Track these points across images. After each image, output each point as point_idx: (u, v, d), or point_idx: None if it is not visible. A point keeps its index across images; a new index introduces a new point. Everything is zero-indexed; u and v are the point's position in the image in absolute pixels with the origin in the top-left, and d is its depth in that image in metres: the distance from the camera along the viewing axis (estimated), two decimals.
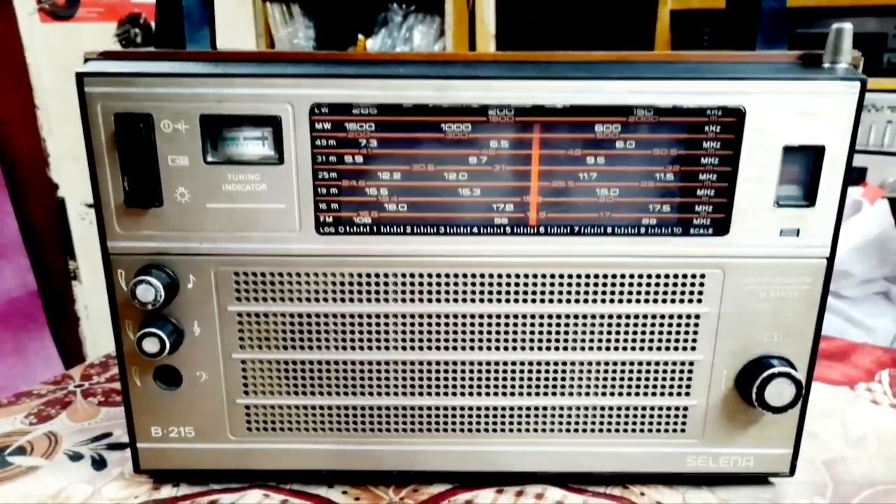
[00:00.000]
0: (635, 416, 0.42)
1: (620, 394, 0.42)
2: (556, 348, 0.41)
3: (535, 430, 0.43)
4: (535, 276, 0.40)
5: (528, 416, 0.42)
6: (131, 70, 0.37)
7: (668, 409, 0.42)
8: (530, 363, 0.41)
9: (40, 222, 1.44)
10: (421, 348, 0.41)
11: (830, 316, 1.19)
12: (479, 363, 0.41)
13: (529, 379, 0.42)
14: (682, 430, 0.43)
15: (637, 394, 0.42)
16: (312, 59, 0.38)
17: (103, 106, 0.37)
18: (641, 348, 0.41)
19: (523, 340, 0.41)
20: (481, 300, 0.40)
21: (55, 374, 0.59)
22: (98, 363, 0.61)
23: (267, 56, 0.39)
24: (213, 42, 0.43)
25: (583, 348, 0.41)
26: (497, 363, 0.41)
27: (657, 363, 0.41)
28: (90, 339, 1.51)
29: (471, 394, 0.42)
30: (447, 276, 0.40)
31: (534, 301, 0.40)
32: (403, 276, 0.40)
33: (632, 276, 0.40)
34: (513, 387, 0.42)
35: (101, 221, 0.39)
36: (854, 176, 0.39)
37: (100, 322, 1.49)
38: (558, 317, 0.41)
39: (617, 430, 0.43)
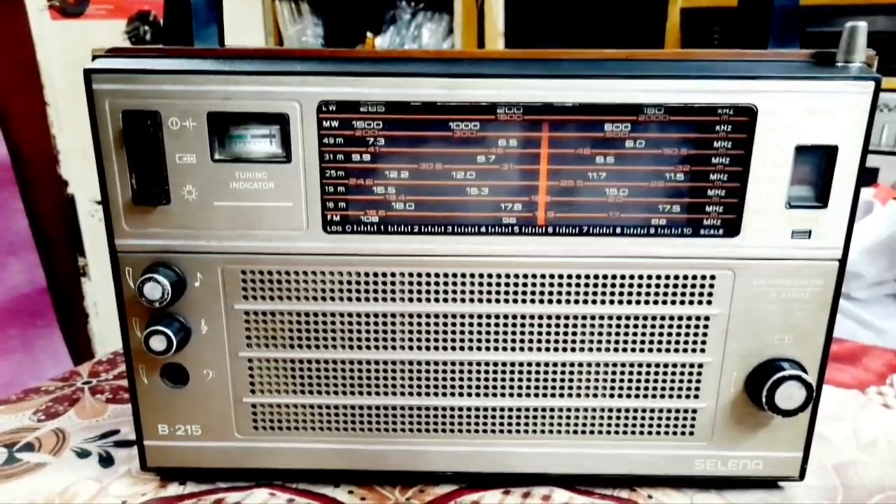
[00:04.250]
0: (643, 418, 0.42)
1: (628, 395, 0.42)
2: (564, 349, 0.41)
3: (543, 432, 0.42)
4: (543, 276, 0.40)
5: (535, 417, 0.42)
6: (139, 67, 0.37)
7: (677, 411, 0.42)
8: (538, 364, 0.41)
9: (50, 219, 1.45)
10: (428, 348, 0.41)
11: (840, 318, 1.18)
12: (487, 363, 0.41)
13: (537, 380, 0.41)
14: (691, 433, 0.42)
15: (645, 396, 0.42)
16: (320, 56, 0.38)
17: (111, 103, 0.37)
18: (650, 350, 0.41)
19: (531, 341, 0.41)
20: (489, 300, 0.40)
21: (64, 371, 0.59)
22: (106, 360, 0.61)
23: (275, 53, 0.39)
24: (222, 39, 0.43)
25: (591, 349, 0.41)
26: (504, 364, 0.41)
27: (666, 365, 0.41)
28: (99, 336, 1.51)
29: (478, 394, 0.42)
30: (455, 275, 0.40)
31: (542, 301, 0.40)
32: (411, 275, 0.40)
33: (641, 277, 0.39)
34: (520, 387, 0.42)
35: (109, 219, 0.39)
36: (866, 176, 0.38)
37: (109, 319, 1.50)
38: (566, 317, 0.40)
39: (625, 433, 0.42)
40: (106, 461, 0.46)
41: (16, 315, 1.40)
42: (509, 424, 0.42)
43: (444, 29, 1.83)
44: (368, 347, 0.41)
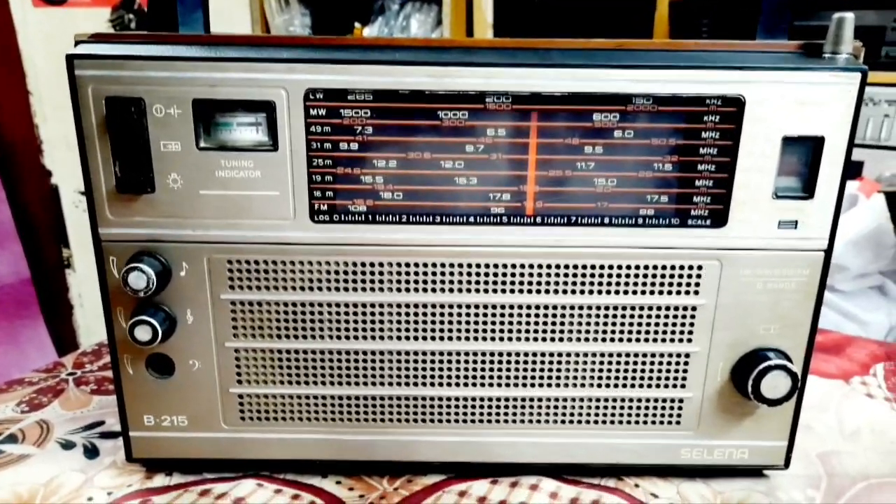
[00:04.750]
0: (630, 407, 0.42)
1: (616, 385, 0.42)
2: (552, 339, 0.41)
3: (530, 422, 0.43)
4: (531, 266, 0.39)
5: (523, 407, 0.42)
6: (123, 53, 0.36)
7: (664, 401, 0.42)
8: (526, 354, 0.41)
9: (33, 210, 1.44)
10: (416, 338, 0.41)
11: (825, 309, 1.19)
12: (475, 353, 0.41)
13: (525, 370, 0.41)
14: (678, 423, 0.42)
15: (632, 385, 0.42)
16: (307, 43, 0.38)
17: (94, 89, 0.36)
18: (637, 340, 0.41)
19: (519, 331, 0.41)
20: (477, 290, 0.40)
21: (48, 363, 0.59)
22: (90, 351, 0.61)
23: (261, 40, 0.39)
24: (207, 26, 0.43)
25: (578, 339, 0.41)
26: (492, 353, 0.41)
27: (653, 355, 0.41)
28: (84, 328, 1.50)
29: (466, 384, 0.42)
30: (443, 265, 0.39)
31: (529, 291, 0.40)
32: (398, 265, 0.39)
33: (629, 267, 0.39)
34: (508, 377, 0.42)
35: (93, 207, 0.38)
36: (851, 170, 0.38)
37: (94, 310, 1.48)
38: (554, 307, 0.40)
39: (612, 422, 0.43)
40: (91, 452, 0.46)
41: (0, 306, 1.39)
42: (497, 414, 0.42)
43: (433, 20, 1.82)
44: (356, 337, 0.41)
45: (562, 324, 0.41)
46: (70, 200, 1.44)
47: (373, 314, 0.40)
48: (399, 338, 0.41)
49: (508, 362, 0.41)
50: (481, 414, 0.42)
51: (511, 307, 0.40)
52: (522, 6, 1.77)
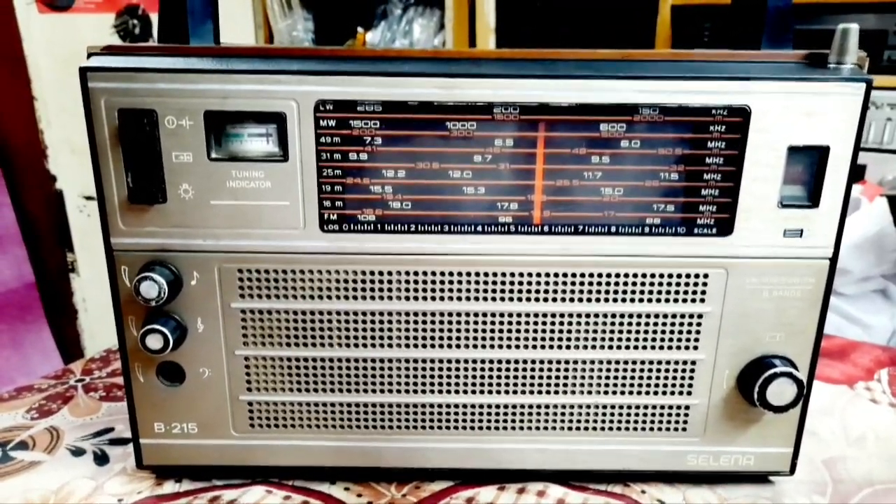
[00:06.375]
0: (637, 414, 0.43)
1: (623, 392, 0.42)
2: (560, 347, 0.41)
3: (538, 428, 0.43)
4: (538, 274, 0.40)
5: (530, 413, 0.43)
6: (135, 65, 0.37)
7: (670, 407, 0.42)
8: (533, 361, 0.42)
9: (38, 214, 1.44)
10: (424, 346, 0.41)
11: (828, 313, 1.19)
12: (483, 361, 0.42)
13: (532, 377, 0.42)
14: (684, 429, 0.43)
15: (639, 392, 0.42)
16: (317, 55, 0.38)
17: (107, 101, 0.37)
18: (644, 347, 0.41)
19: (526, 339, 0.41)
20: (485, 298, 0.40)
21: (53, 367, 0.59)
22: (98, 358, 0.61)
23: (272, 52, 0.39)
24: (217, 37, 0.43)
25: (586, 347, 0.41)
26: (500, 361, 0.42)
27: (659, 362, 0.42)
28: (88, 332, 1.50)
29: (473, 391, 0.42)
30: (451, 274, 0.40)
31: (537, 300, 0.40)
32: (407, 273, 0.40)
33: (635, 276, 0.40)
34: (515, 385, 0.42)
35: (105, 217, 0.39)
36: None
37: (98, 315, 1.49)
38: (561, 315, 0.41)
39: (619, 429, 0.43)
40: (101, 459, 0.46)
41: (3, 310, 1.39)
42: (505, 421, 0.43)
43: (436, 24, 1.83)
44: (365, 345, 0.41)
45: (569, 331, 0.41)
46: (74, 205, 1.44)
47: (381, 322, 0.41)
48: (407, 346, 0.41)
49: (516, 369, 0.42)
50: (489, 421, 0.43)
51: (518, 315, 0.41)
52: (524, 11, 1.77)
